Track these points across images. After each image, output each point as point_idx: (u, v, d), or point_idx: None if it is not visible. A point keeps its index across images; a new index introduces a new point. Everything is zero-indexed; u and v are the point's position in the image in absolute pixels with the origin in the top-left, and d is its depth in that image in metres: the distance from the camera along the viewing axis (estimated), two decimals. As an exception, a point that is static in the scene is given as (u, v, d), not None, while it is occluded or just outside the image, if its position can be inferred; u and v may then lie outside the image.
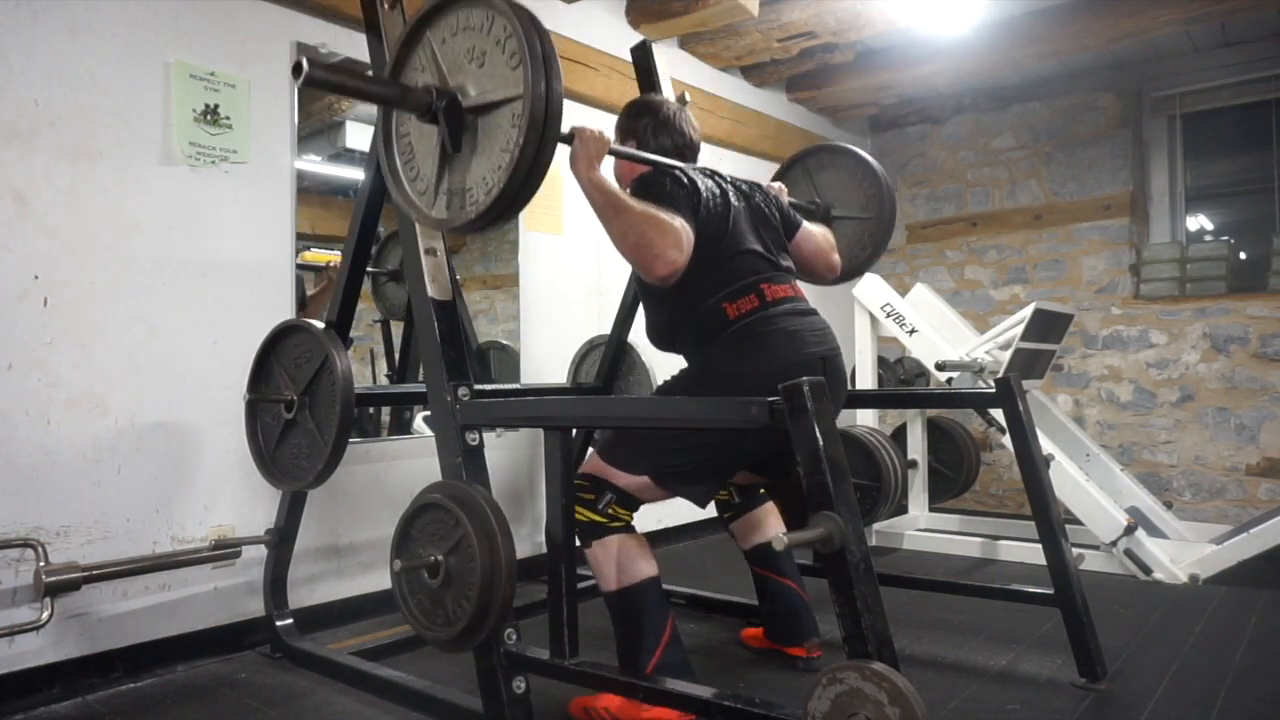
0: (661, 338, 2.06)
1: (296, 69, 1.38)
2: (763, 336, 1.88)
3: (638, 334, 2.28)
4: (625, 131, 2.14)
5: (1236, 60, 4.37)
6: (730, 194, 2.00)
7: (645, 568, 1.90)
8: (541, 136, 1.39)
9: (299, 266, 2.64)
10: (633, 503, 1.94)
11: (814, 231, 2.23)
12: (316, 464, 2.09)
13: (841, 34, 3.77)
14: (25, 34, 2.07)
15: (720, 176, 2.06)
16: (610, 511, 1.91)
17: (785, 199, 2.25)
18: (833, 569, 1.30)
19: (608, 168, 1.90)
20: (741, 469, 2.07)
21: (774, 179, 2.62)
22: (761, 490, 2.40)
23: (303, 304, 2.73)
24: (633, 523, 1.96)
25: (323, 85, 1.47)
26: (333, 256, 2.80)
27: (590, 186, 1.78)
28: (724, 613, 2.71)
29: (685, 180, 1.91)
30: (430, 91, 1.52)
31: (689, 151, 2.12)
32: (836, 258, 2.26)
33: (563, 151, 1.65)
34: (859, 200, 2.56)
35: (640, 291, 2.10)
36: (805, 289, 2.09)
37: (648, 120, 2.10)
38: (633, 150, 2.04)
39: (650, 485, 1.92)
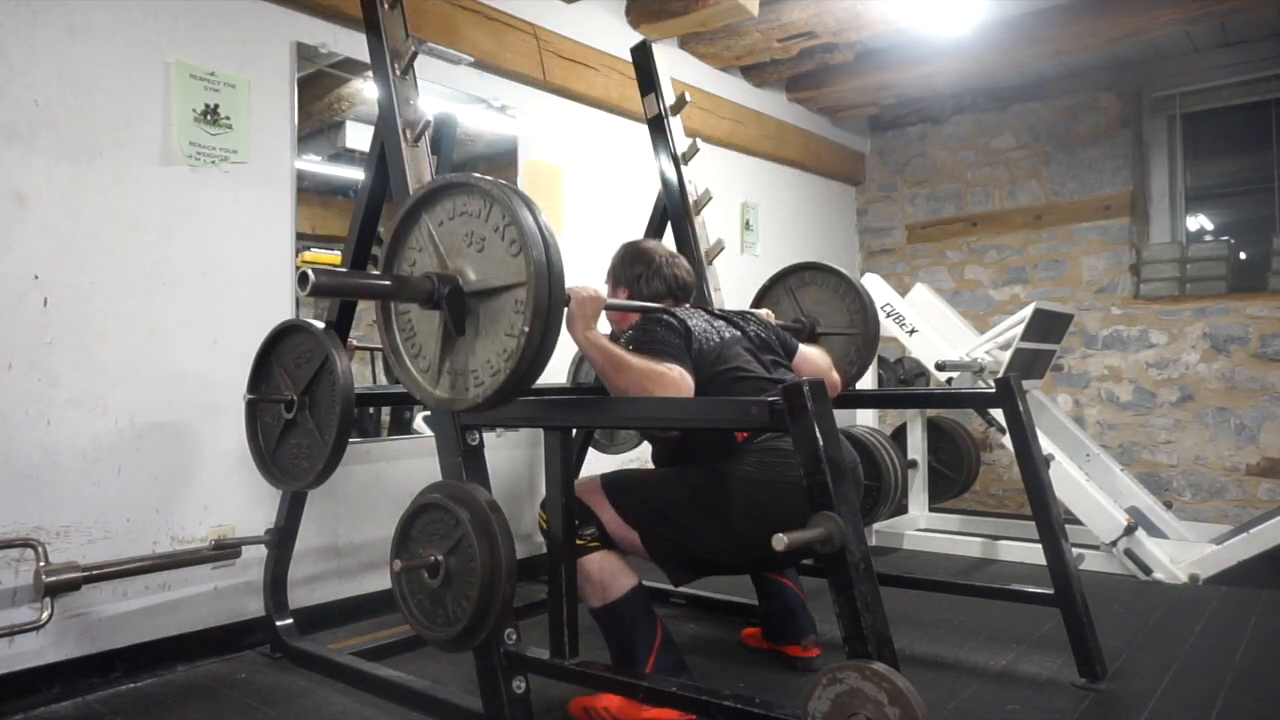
0: (671, 461, 2.07)
1: (303, 280, 1.38)
2: (777, 450, 1.87)
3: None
4: (618, 277, 2.22)
5: (1236, 60, 4.37)
6: (722, 328, 2.06)
7: (626, 580, 1.91)
8: (547, 322, 1.40)
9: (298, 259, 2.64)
10: (610, 543, 1.94)
11: (811, 353, 2.27)
12: (316, 464, 2.09)
13: (841, 34, 3.77)
14: (25, 34, 2.07)
15: (711, 313, 2.13)
16: (588, 539, 1.91)
17: (774, 323, 2.30)
18: (833, 569, 1.30)
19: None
20: (718, 573, 2.10)
21: (756, 299, 2.72)
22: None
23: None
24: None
25: (330, 292, 1.48)
26: (334, 258, 2.79)
27: (589, 346, 1.82)
28: (724, 613, 2.71)
29: (677, 324, 1.95)
30: (431, 279, 1.51)
31: (681, 294, 2.20)
32: (836, 376, 2.30)
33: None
34: (843, 316, 2.62)
35: (642, 432, 2.12)
36: None
37: (641, 269, 2.18)
38: (625, 302, 2.14)
39: (635, 543, 1.92)
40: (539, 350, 1.42)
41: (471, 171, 3.50)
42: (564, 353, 3.34)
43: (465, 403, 1.53)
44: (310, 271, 1.38)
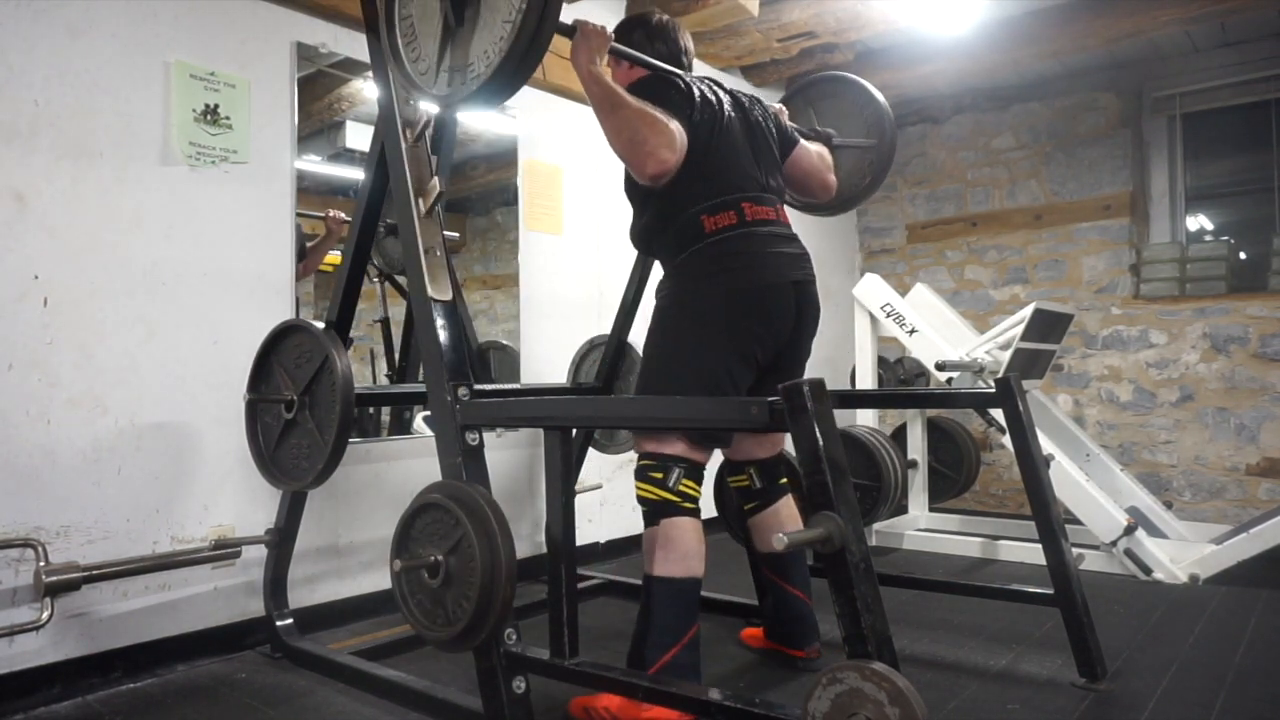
0: (640, 240, 2.08)
1: None
2: (736, 255, 1.88)
3: (638, 334, 2.28)
4: (619, 43, 2.13)
5: (1236, 60, 4.37)
6: (726, 104, 2.00)
7: (696, 565, 1.89)
8: (544, 7, 1.41)
9: (297, 214, 2.63)
10: (698, 472, 1.94)
11: (810, 149, 2.22)
12: (316, 464, 2.09)
13: (841, 34, 3.77)
14: (25, 34, 2.07)
15: (719, 85, 2.06)
16: (681, 488, 1.89)
17: (785, 120, 2.24)
18: (833, 569, 1.30)
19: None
20: (746, 387, 2.03)
21: (779, 102, 2.60)
22: (784, 480, 2.33)
23: (302, 254, 2.71)
24: (699, 508, 1.95)
25: None
26: (334, 258, 2.80)
27: (590, 79, 1.80)
28: (724, 613, 2.71)
29: (681, 84, 1.91)
30: None
31: (684, 57, 2.12)
32: (832, 177, 2.25)
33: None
34: (860, 130, 2.54)
35: (627, 191, 2.09)
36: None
37: (640, 32, 2.11)
38: (631, 51, 2.03)
39: (687, 446, 1.91)
40: (534, 35, 1.43)
41: (471, 170, 3.51)
42: (564, 353, 3.34)
43: (461, 94, 1.55)
44: None
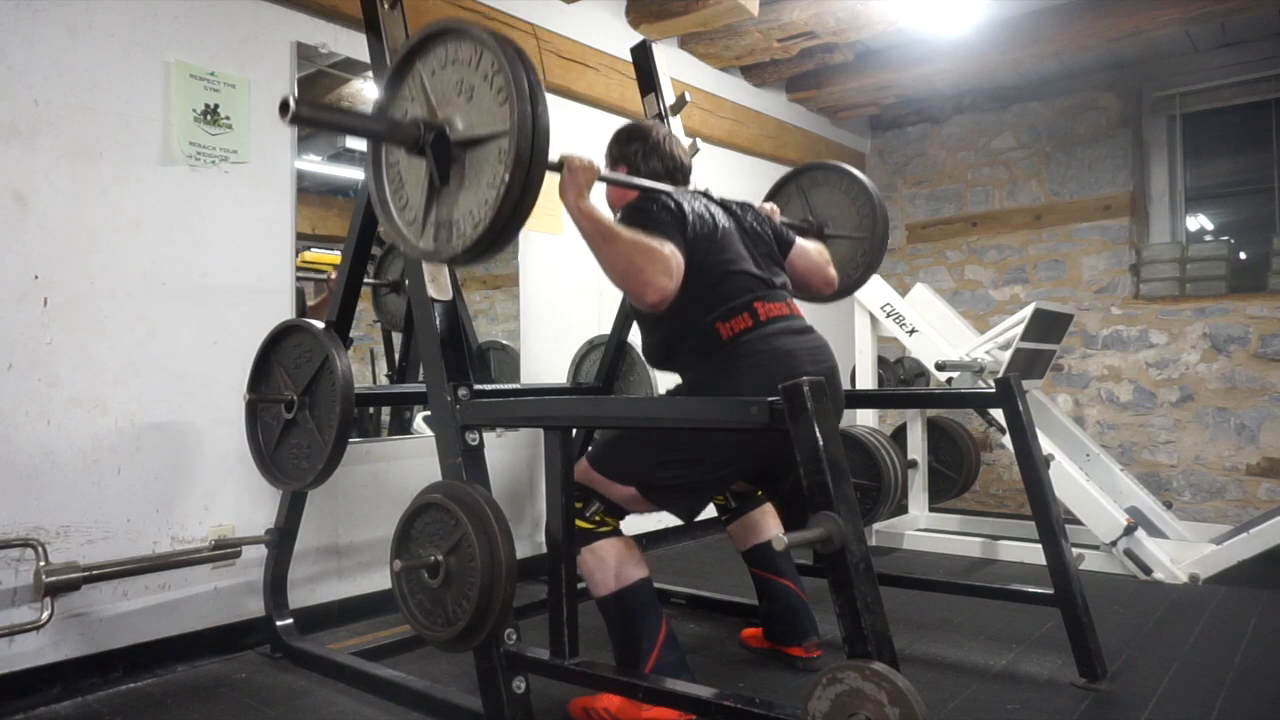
0: (657, 358, 2.06)
1: (283, 107, 1.37)
2: (757, 355, 1.86)
3: (638, 335, 2.27)
4: (616, 158, 2.15)
5: (1236, 60, 4.37)
6: (719, 215, 2.00)
7: (636, 571, 1.91)
8: (528, 174, 1.39)
9: (299, 277, 2.64)
10: (619, 512, 1.95)
11: (808, 248, 2.23)
12: (316, 464, 2.09)
13: (841, 34, 3.77)
14: (25, 34, 2.07)
15: (710, 198, 2.07)
16: (597, 519, 1.91)
17: (778, 219, 2.26)
18: (833, 569, 1.30)
19: (599, 192, 1.90)
20: (729, 487, 2.08)
21: (767, 197, 2.64)
22: (759, 493, 2.40)
23: (303, 314, 2.73)
24: (620, 528, 1.97)
25: (310, 123, 1.48)
26: (334, 258, 2.79)
27: (579, 215, 1.78)
28: (724, 613, 2.71)
29: (673, 204, 1.91)
30: (418, 125, 1.51)
31: (679, 175, 2.13)
32: (833, 271, 2.27)
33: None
34: (852, 219, 2.57)
35: (634, 314, 2.10)
36: (803, 307, 2.09)
37: (638, 146, 2.11)
38: (621, 175, 2.04)
39: (636, 497, 1.92)
40: (519, 201, 1.41)
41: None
42: (564, 353, 3.34)
43: (446, 253, 1.52)
44: (291, 100, 1.38)
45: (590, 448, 2.05)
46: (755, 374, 1.84)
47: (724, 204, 2.08)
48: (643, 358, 2.17)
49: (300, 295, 2.66)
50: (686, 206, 1.92)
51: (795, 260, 2.17)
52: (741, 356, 1.87)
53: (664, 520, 3.77)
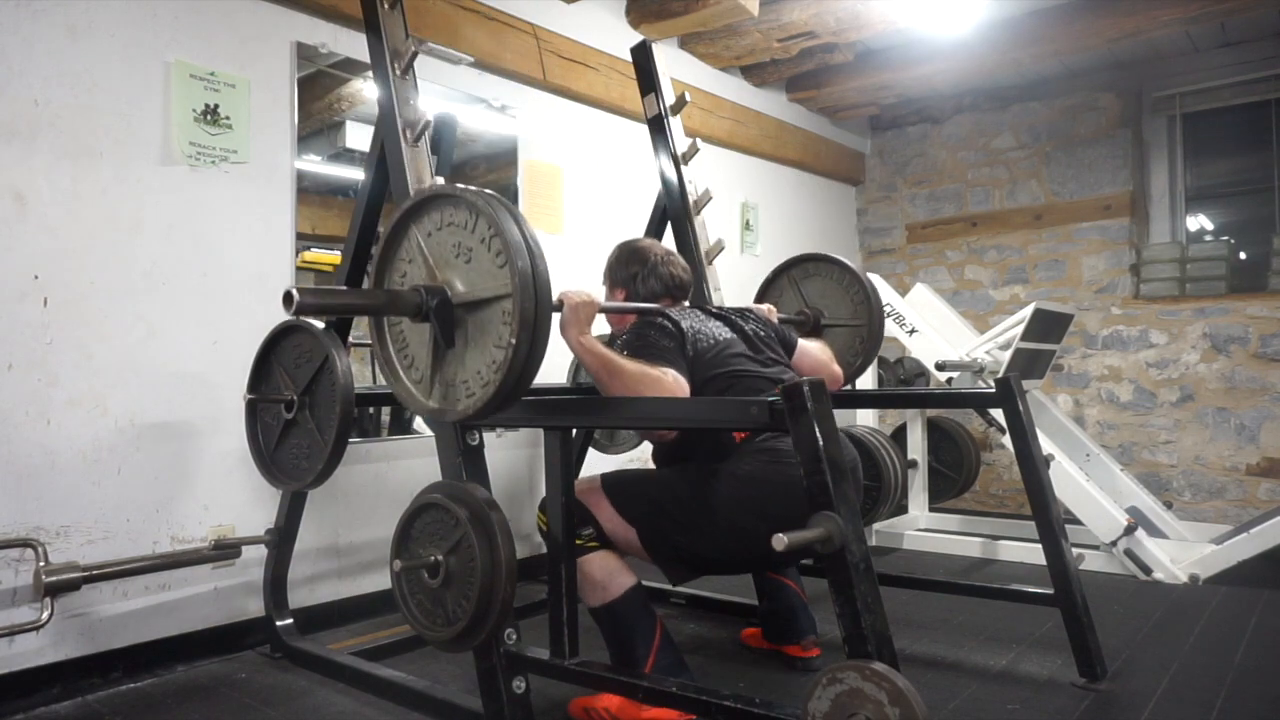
0: (671, 464, 2.07)
1: (287, 299, 1.38)
2: (773, 450, 1.87)
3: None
4: (615, 279, 2.21)
5: (1236, 60, 4.37)
6: (718, 328, 2.04)
7: (625, 579, 1.91)
8: (534, 333, 1.41)
9: (301, 270, 2.64)
10: (608, 544, 1.94)
11: (811, 347, 2.26)
12: (316, 464, 2.08)
13: (841, 34, 3.77)
14: (25, 34, 2.07)
15: (708, 312, 2.12)
16: (583, 539, 1.91)
17: (776, 318, 2.29)
18: (833, 569, 1.30)
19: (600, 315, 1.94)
20: (724, 573, 2.10)
21: (759, 295, 2.70)
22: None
23: None
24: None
25: (315, 311, 1.51)
26: (334, 258, 2.79)
27: (583, 351, 1.81)
28: (724, 613, 2.71)
29: (671, 326, 1.94)
30: (419, 292, 1.52)
31: (678, 293, 2.18)
32: (837, 369, 2.29)
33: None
34: (847, 307, 2.61)
35: (641, 433, 2.10)
36: None
37: (636, 269, 2.17)
38: (619, 304, 2.12)
39: (633, 541, 1.91)
40: (527, 361, 1.42)
41: (471, 171, 3.51)
42: (564, 353, 3.34)
43: (456, 414, 1.53)
44: (295, 291, 1.38)
45: (608, 472, 2.05)
46: (776, 466, 1.84)
47: (723, 315, 2.13)
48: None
49: None
50: (685, 325, 1.97)
51: (799, 362, 2.20)
52: (760, 452, 1.88)
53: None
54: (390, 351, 1.66)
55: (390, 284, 1.62)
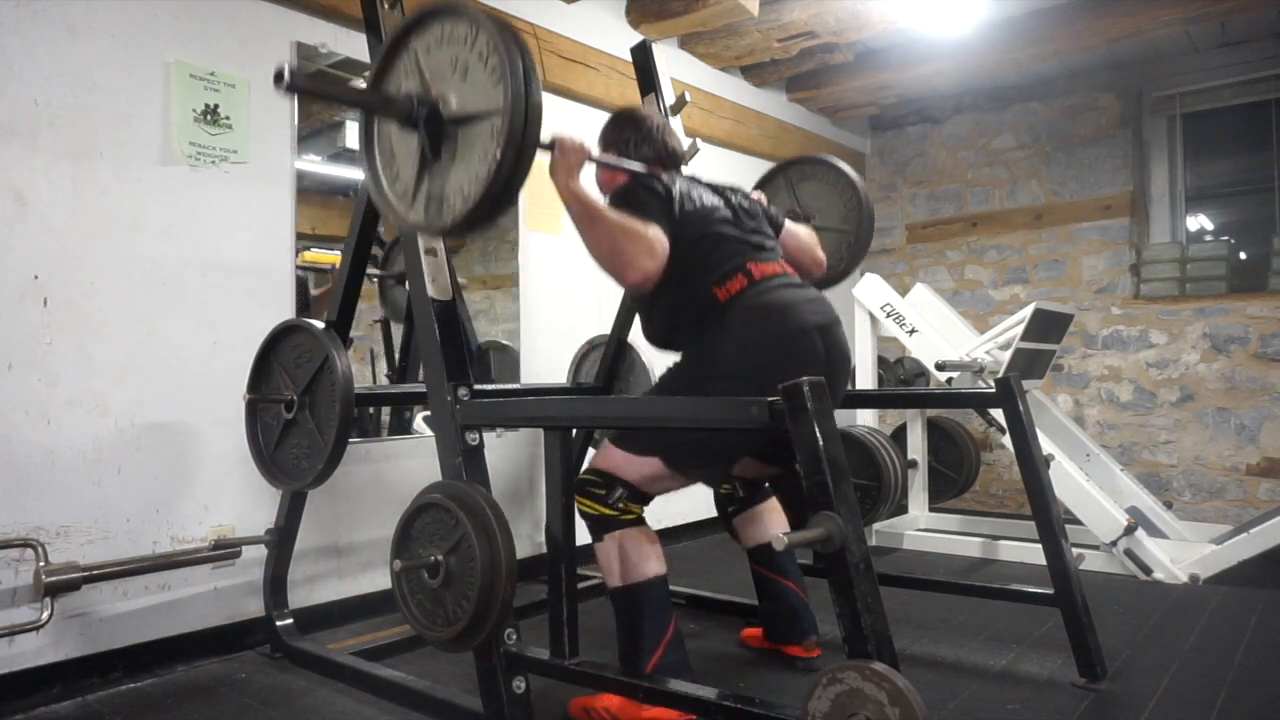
0: (659, 339, 2.07)
1: (278, 77, 1.39)
2: (754, 309, 1.87)
3: (638, 334, 2.28)
4: (608, 142, 2.16)
5: (1236, 60, 4.37)
6: (707, 194, 2.03)
7: (654, 566, 1.90)
8: (519, 152, 1.41)
9: (301, 268, 2.64)
10: (643, 497, 1.95)
11: (797, 230, 2.24)
12: (316, 464, 2.09)
13: (841, 34, 3.77)
14: (25, 34, 2.07)
15: (699, 180, 2.09)
16: (621, 505, 1.90)
17: (766, 204, 2.27)
18: (833, 569, 1.30)
19: (589, 174, 1.91)
20: (748, 451, 2.06)
21: (755, 188, 2.64)
22: (767, 484, 2.38)
23: (306, 305, 2.72)
24: (643, 517, 1.96)
25: (305, 92, 1.49)
26: (333, 258, 2.80)
27: (568, 195, 1.80)
28: (724, 613, 2.71)
29: (659, 187, 1.93)
30: (411, 100, 1.53)
31: (670, 161, 2.15)
32: (821, 254, 2.27)
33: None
34: (839, 212, 2.59)
35: (633, 303, 2.11)
36: None
37: (630, 133, 2.13)
38: (611, 158, 2.07)
39: (661, 472, 1.91)
40: (510, 178, 1.43)
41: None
42: (564, 353, 3.34)
43: (436, 226, 1.54)
44: (287, 68, 1.41)
45: (608, 435, 2.05)
46: (755, 327, 1.86)
47: (713, 186, 2.10)
48: (642, 360, 2.18)
49: (302, 286, 2.65)
50: (674, 189, 1.95)
51: (785, 240, 2.18)
52: (740, 313, 1.88)
53: (664, 519, 3.77)
54: (377, 163, 1.65)
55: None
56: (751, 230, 2.03)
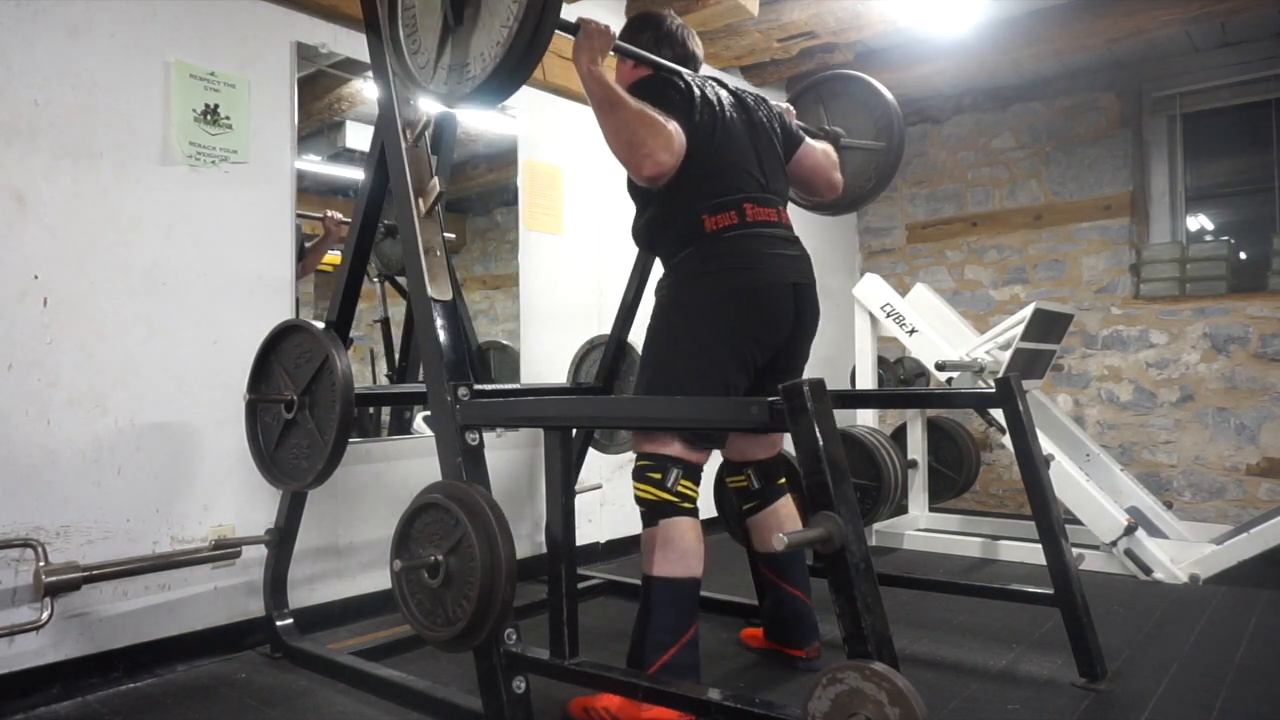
0: (642, 238, 2.08)
1: None
2: (736, 255, 1.88)
3: (638, 334, 2.28)
4: (627, 43, 2.13)
5: (1236, 60, 4.37)
6: (728, 105, 1.99)
7: (694, 565, 1.90)
8: (542, 13, 1.42)
9: (296, 215, 2.62)
10: (695, 473, 1.95)
11: (815, 148, 2.21)
12: (316, 464, 2.08)
13: (841, 34, 3.77)
14: (25, 34, 2.07)
15: (723, 85, 2.06)
16: (680, 489, 1.90)
17: (792, 119, 2.23)
18: (833, 569, 1.30)
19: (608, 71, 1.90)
20: (758, 362, 2.01)
21: (787, 101, 2.58)
22: (782, 480, 2.33)
23: (300, 254, 2.70)
24: (698, 507, 1.96)
25: None
26: (334, 258, 2.79)
27: (590, 79, 1.80)
28: (724, 613, 2.71)
29: (682, 85, 1.91)
30: None
31: (691, 63, 2.12)
32: (838, 175, 2.25)
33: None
34: (870, 131, 2.52)
35: (630, 189, 2.09)
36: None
37: (649, 34, 2.11)
38: (635, 49, 2.04)
39: (687, 439, 1.91)
40: (531, 39, 1.44)
41: (472, 170, 3.51)
42: (564, 353, 3.34)
43: (458, 94, 1.57)
44: None
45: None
46: (731, 270, 1.87)
47: (737, 93, 2.07)
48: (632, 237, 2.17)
49: (298, 231, 2.63)
50: (696, 90, 1.92)
51: (801, 159, 2.16)
52: (721, 252, 1.88)
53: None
54: (400, 33, 1.68)
55: None
56: (764, 156, 2.00)
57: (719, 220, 1.89)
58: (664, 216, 1.94)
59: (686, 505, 1.91)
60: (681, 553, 1.88)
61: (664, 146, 1.79)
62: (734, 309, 1.89)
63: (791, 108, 2.29)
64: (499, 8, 1.48)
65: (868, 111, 2.53)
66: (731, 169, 1.92)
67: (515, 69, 1.46)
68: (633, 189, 2.07)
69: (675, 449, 1.93)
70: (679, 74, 1.94)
